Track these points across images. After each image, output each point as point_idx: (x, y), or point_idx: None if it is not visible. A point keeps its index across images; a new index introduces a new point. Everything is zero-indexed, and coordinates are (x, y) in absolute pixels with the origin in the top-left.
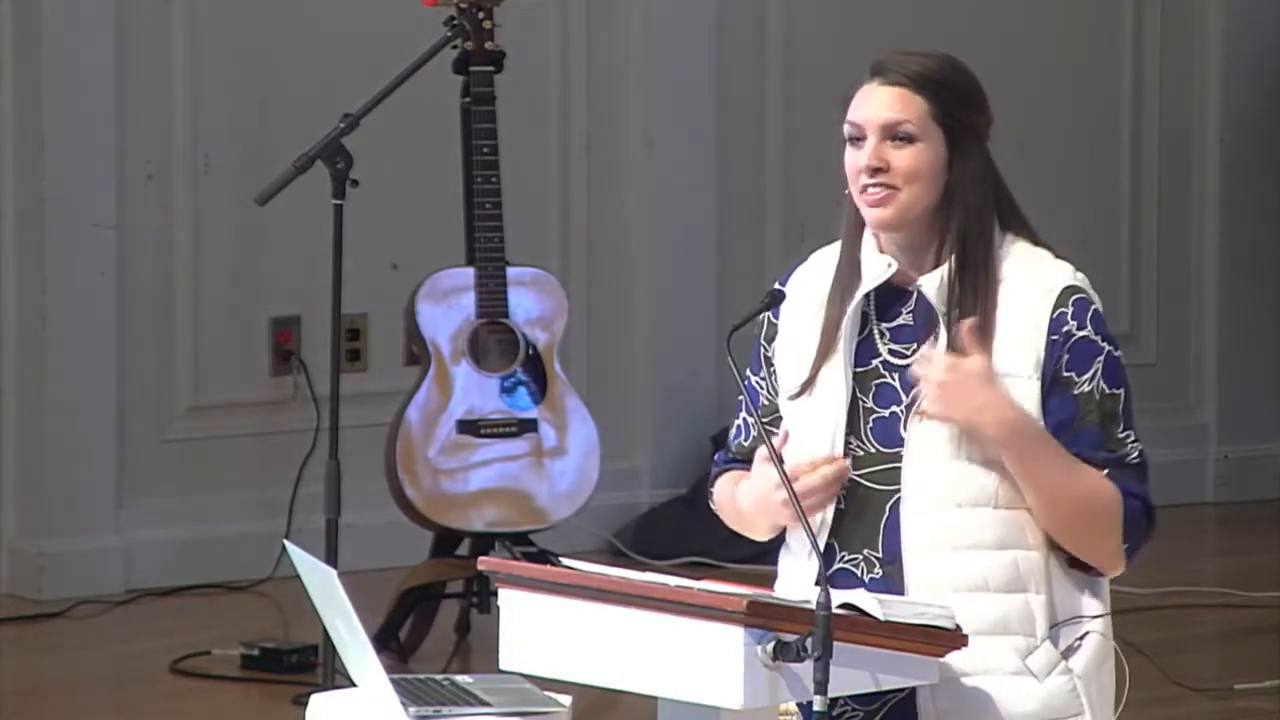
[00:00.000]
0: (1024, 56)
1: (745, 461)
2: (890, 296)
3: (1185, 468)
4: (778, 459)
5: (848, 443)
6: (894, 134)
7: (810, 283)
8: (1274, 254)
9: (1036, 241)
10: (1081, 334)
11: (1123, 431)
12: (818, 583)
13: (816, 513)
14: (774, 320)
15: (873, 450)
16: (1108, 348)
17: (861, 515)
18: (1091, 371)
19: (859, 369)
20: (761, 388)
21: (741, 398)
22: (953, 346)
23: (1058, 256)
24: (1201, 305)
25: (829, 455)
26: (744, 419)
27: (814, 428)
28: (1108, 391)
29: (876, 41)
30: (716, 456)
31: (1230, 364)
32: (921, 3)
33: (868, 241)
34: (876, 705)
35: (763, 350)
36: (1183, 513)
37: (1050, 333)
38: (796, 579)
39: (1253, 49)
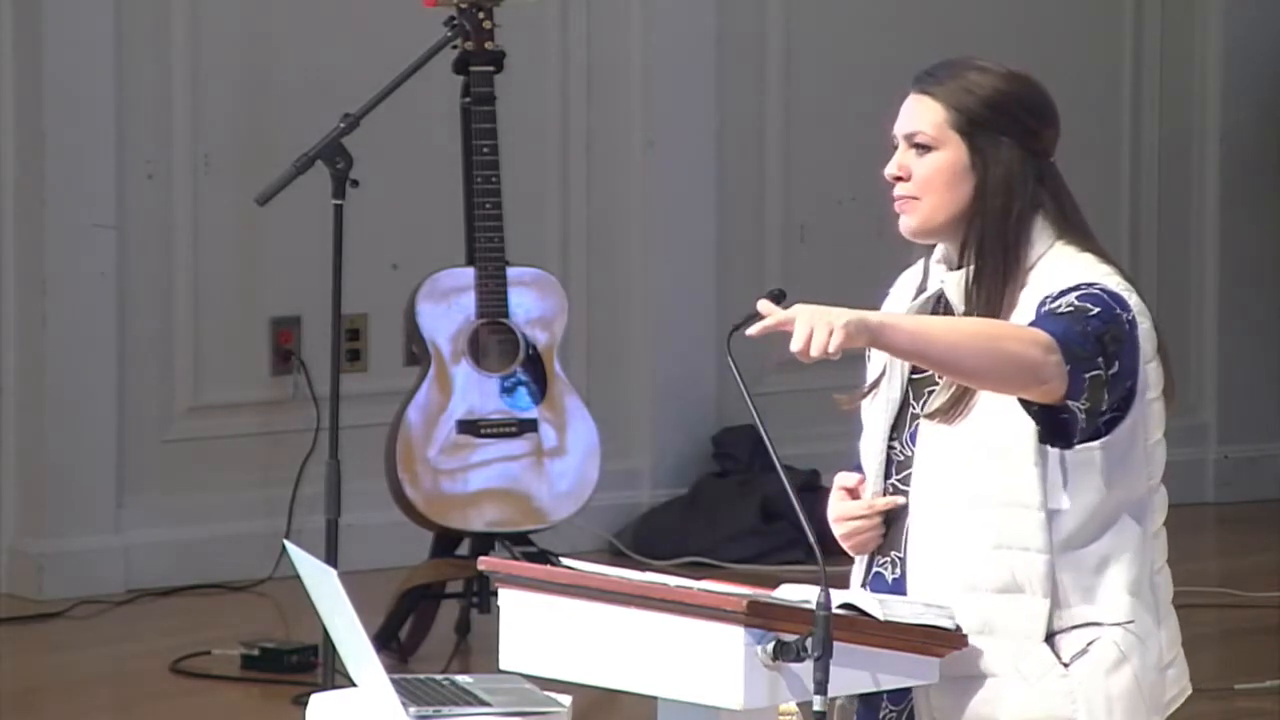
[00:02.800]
0: (1023, 57)
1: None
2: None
3: (1185, 468)
4: (803, 513)
5: (892, 447)
6: (914, 142)
7: (905, 287)
8: (1274, 254)
9: (1086, 247)
10: (1059, 293)
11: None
12: (862, 585)
13: (868, 550)
14: None
15: (909, 454)
16: (1096, 284)
17: (894, 518)
18: (1067, 294)
19: (917, 375)
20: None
21: None
22: None
23: (1104, 260)
24: (1201, 305)
25: (890, 500)
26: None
27: (871, 433)
28: (1077, 304)
29: (876, 42)
30: None
31: (1230, 364)
32: (921, 3)
33: (938, 250)
34: (904, 705)
35: (866, 352)
36: (1183, 513)
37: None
38: (852, 581)
39: (1253, 49)
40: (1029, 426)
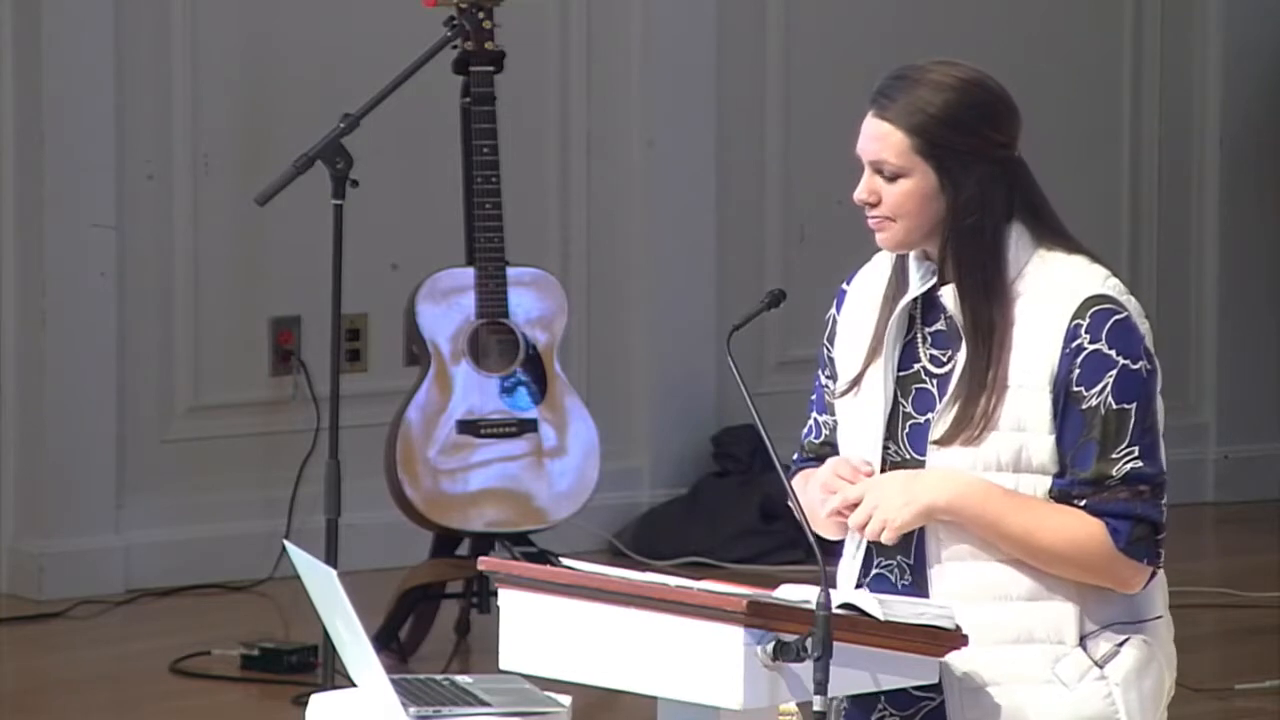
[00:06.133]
0: (1023, 56)
1: (818, 459)
2: (932, 302)
3: (1185, 468)
4: (795, 500)
5: (886, 447)
6: (879, 170)
7: (870, 283)
8: (1274, 254)
9: (1072, 249)
10: (1093, 347)
11: (1125, 449)
12: (858, 585)
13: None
14: (836, 319)
15: (907, 456)
16: (1123, 361)
17: None
18: (1101, 385)
19: (902, 372)
20: (827, 388)
21: (813, 397)
22: (973, 357)
23: (1095, 261)
24: (1201, 305)
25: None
26: (814, 418)
27: (859, 429)
28: (1115, 407)
29: (876, 41)
30: (794, 458)
31: (1230, 364)
32: (921, 3)
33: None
34: (912, 711)
35: (826, 350)
36: (1183, 513)
37: (1064, 344)
38: (843, 579)
39: (1253, 49)
40: (1045, 439)
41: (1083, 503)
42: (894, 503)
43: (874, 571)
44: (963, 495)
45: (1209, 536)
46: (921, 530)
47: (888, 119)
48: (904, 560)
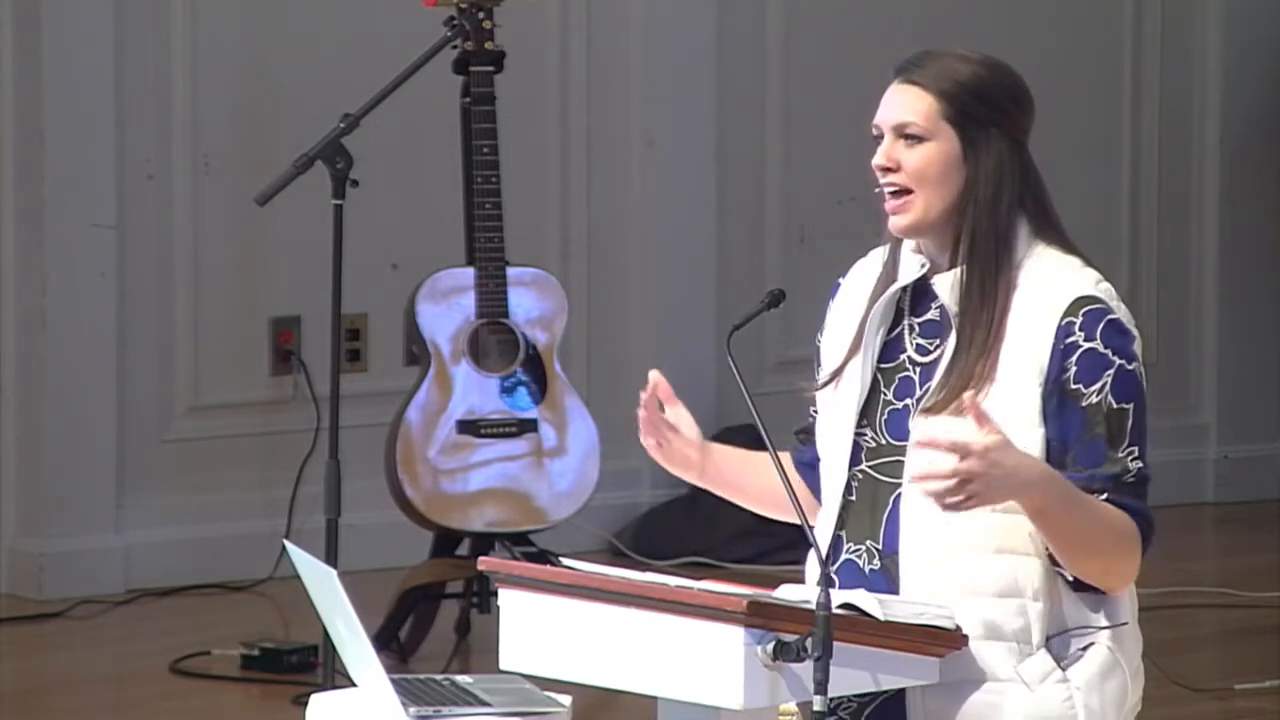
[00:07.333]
0: (1023, 56)
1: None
2: (923, 292)
3: (1185, 468)
4: (782, 471)
5: (862, 433)
6: (904, 133)
7: (863, 277)
8: (1274, 254)
9: (1068, 250)
10: (1089, 345)
11: (1127, 448)
12: (824, 568)
13: (674, 463)
14: (826, 314)
15: (883, 442)
16: (1119, 361)
17: (867, 506)
18: (1100, 384)
19: (886, 364)
20: (815, 380)
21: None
22: (960, 348)
23: (1088, 265)
24: (1201, 305)
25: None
26: (809, 412)
27: (836, 419)
28: (1115, 406)
29: (876, 41)
30: (792, 452)
31: (1230, 364)
32: (920, 4)
33: (908, 241)
34: (867, 699)
35: (818, 345)
36: (1183, 513)
37: (1055, 341)
38: (813, 575)
39: (1253, 49)
40: (1032, 433)
41: (1104, 496)
42: (994, 480)
43: (843, 557)
44: (1051, 480)
45: (1209, 536)
46: (895, 513)
47: (915, 83)
48: (872, 545)
